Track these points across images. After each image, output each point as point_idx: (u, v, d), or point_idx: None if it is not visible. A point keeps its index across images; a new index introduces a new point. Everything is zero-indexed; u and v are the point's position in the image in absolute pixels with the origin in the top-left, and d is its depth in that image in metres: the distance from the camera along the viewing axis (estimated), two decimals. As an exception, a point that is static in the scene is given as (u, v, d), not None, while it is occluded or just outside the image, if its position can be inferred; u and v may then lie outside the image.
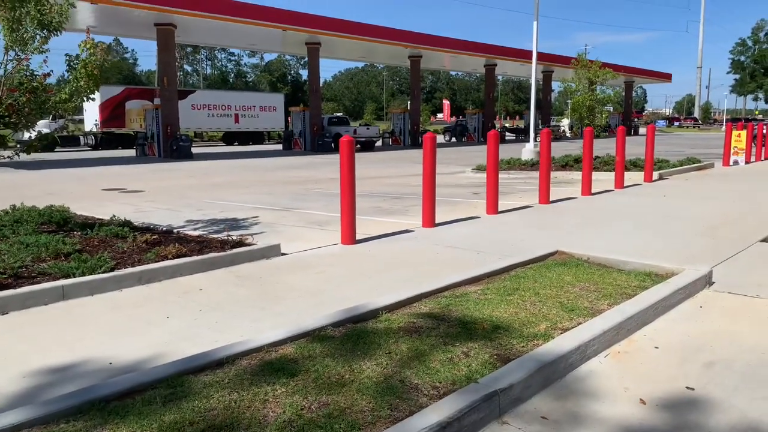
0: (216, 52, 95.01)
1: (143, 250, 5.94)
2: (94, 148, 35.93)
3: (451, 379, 3.05)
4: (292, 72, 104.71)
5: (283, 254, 6.44)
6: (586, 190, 11.18)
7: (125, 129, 36.21)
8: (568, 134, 47.83)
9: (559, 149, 21.82)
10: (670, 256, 5.89)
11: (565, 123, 49.83)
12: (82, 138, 37.05)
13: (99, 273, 5.08)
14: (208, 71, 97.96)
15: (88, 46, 6.57)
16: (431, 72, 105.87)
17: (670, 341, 3.88)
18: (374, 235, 7.44)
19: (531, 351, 3.38)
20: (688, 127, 78.81)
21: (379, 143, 36.48)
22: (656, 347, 3.77)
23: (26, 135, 7.40)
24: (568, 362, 3.37)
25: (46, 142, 7.67)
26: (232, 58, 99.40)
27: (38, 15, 6.40)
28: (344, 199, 6.87)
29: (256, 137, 43.56)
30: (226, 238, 6.54)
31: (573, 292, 4.60)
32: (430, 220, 7.92)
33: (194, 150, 27.29)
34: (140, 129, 32.20)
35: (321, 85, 38.31)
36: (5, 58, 6.47)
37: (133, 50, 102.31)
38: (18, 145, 6.82)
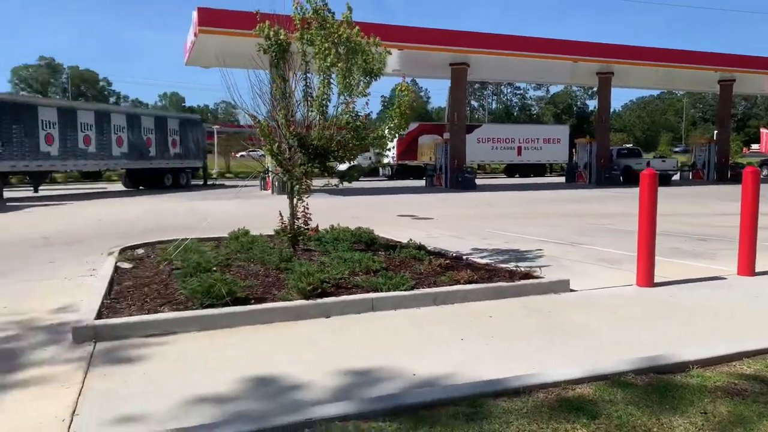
0: (502, 87, 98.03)
1: (437, 273, 6.38)
2: (390, 178, 40.09)
3: (789, 458, 2.57)
4: (578, 103, 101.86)
5: (572, 290, 6.25)
6: None
7: (416, 161, 39.60)
8: None
9: None
10: None
11: None
12: (380, 169, 41.70)
13: (401, 290, 5.61)
14: (493, 106, 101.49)
15: (402, 88, 7.40)
16: (744, 97, 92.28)
17: None
18: (674, 279, 6.73)
19: None
20: None
21: (676, 177, 33.04)
22: None
23: (340, 166, 8.51)
24: None
25: (359, 173, 8.84)
26: (518, 91, 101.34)
27: (364, 64, 7.43)
28: (642, 237, 6.38)
29: (538, 169, 43.43)
30: (514, 269, 6.63)
31: None
32: (748, 268, 6.83)
33: (477, 181, 28.43)
34: (429, 161, 34.86)
35: (609, 115, 36.38)
36: (337, 101, 7.66)
37: (426, 89, 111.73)
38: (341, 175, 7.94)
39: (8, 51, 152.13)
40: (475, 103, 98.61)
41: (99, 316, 4.97)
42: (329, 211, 16.53)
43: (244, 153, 54.13)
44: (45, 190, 25.54)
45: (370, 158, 33.14)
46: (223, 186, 31.03)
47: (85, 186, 31.31)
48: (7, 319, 5.44)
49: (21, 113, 21.68)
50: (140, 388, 3.76)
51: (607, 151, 30.55)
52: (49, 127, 22.70)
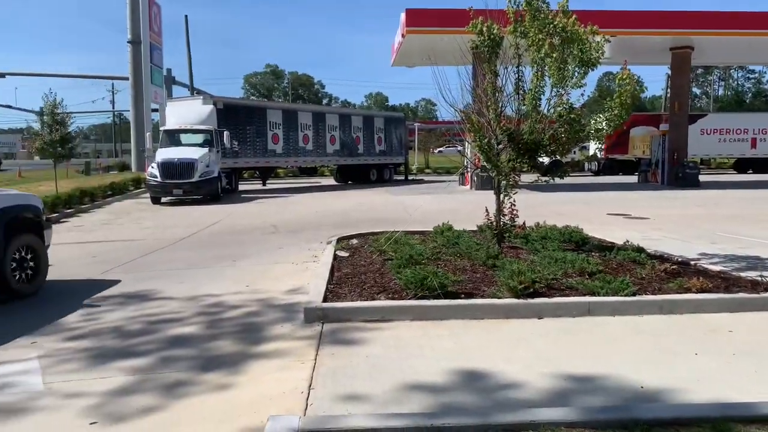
0: (731, 70, 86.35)
1: (662, 279, 5.83)
2: (596, 173, 37.68)
3: None
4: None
5: (837, 308, 5.26)
6: None
7: (627, 155, 36.66)
8: None
9: None
10: None
11: None
12: (586, 164, 39.42)
13: (621, 295, 5.23)
14: (720, 92, 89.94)
15: (624, 76, 6.88)
16: None
17: None
18: None
19: None
20: None
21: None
22: None
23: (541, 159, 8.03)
24: None
25: (569, 169, 8.44)
26: (751, 75, 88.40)
27: (580, 54, 7.05)
28: None
29: (778, 165, 37.38)
30: (758, 278, 5.79)
31: None
32: None
33: (701, 178, 25.43)
34: (643, 156, 32.04)
35: None
36: (550, 94, 7.37)
37: (638, 77, 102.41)
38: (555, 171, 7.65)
39: (242, 61, 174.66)
40: (696, 90, 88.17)
41: (325, 299, 5.43)
42: (531, 207, 15.93)
43: (441, 149, 55.29)
44: (270, 184, 28.73)
45: (574, 152, 31.49)
46: (422, 181, 31.96)
47: (302, 180, 34.55)
48: (250, 297, 6.22)
49: (253, 116, 24.64)
50: (364, 369, 4.02)
51: None
52: (276, 128, 25.46)
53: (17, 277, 6.32)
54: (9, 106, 49.55)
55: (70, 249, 9.69)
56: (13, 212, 6.45)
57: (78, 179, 26.56)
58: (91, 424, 3.34)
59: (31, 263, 6.54)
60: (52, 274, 7.06)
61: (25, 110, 62.10)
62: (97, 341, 4.84)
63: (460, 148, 34.13)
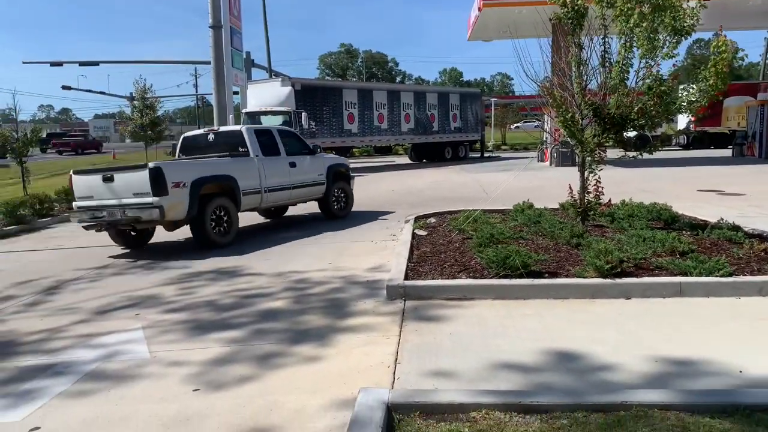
0: (841, 32, 78.41)
1: (762, 259, 5.50)
2: (685, 147, 35.63)
3: None
4: None
5: None
6: None
7: (720, 128, 34.40)
8: None
9: None
10: None
11: None
12: (673, 137, 37.33)
13: (716, 276, 4.98)
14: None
15: (720, 43, 6.47)
16: None
17: None
18: None
19: None
20: None
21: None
22: None
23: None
24: None
25: (659, 144, 8.04)
26: None
27: (672, 22, 6.67)
28: None
29: None
30: None
31: None
32: None
33: (803, 150, 23.48)
34: (738, 127, 29.99)
35: None
36: (638, 65, 7.03)
37: (735, 44, 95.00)
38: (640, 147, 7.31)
39: (317, 42, 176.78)
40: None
41: (406, 277, 5.51)
42: (615, 183, 15.23)
43: (518, 124, 53.92)
44: (347, 163, 29.16)
45: (660, 125, 29.76)
46: (498, 158, 31.39)
47: (376, 159, 34.81)
48: (333, 273, 6.40)
49: (329, 96, 24.96)
50: (448, 346, 4.07)
51: None
52: (351, 108, 25.69)
53: (336, 206, 10.77)
54: (102, 93, 52.94)
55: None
56: (335, 168, 10.83)
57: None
58: (194, 390, 3.59)
59: (343, 198, 10.99)
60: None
61: (117, 96, 66.17)
62: (192, 314, 5.16)
63: (538, 123, 32.97)
